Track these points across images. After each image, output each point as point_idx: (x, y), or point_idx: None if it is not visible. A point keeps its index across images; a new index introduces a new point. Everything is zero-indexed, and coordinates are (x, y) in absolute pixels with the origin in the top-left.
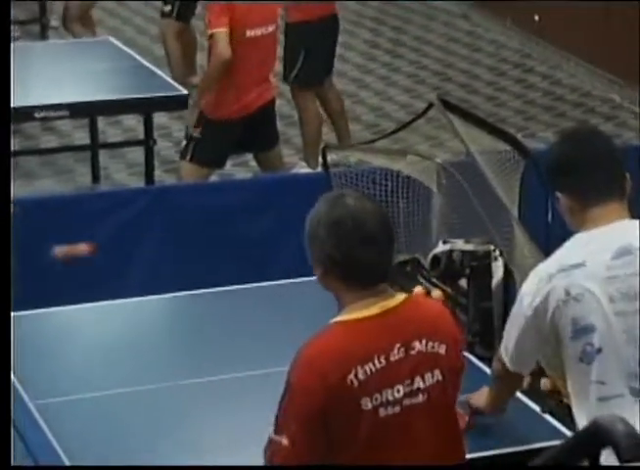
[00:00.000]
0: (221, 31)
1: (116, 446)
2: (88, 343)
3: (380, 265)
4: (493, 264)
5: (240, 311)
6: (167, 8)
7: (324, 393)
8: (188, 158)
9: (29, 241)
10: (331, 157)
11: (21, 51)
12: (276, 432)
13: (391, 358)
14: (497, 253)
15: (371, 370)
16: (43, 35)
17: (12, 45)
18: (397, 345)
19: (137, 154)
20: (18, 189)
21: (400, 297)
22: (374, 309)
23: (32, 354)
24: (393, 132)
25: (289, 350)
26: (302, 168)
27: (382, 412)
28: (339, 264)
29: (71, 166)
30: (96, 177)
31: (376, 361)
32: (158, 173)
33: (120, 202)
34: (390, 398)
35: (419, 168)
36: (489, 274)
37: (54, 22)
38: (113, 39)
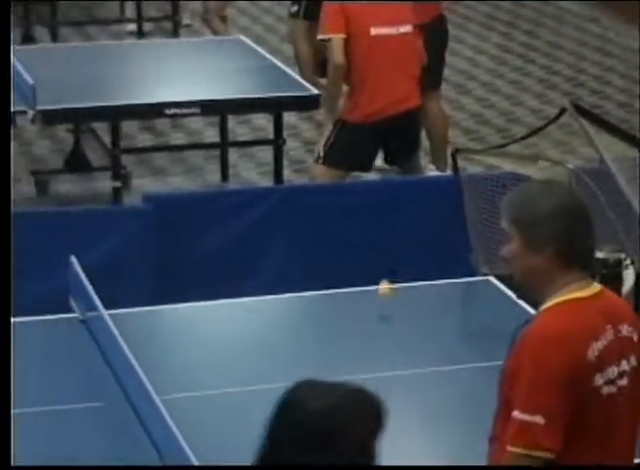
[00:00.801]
0: (335, 37)
1: (239, 442)
2: (215, 339)
3: (594, 251)
4: (624, 273)
5: (368, 312)
6: (294, 8)
7: (570, 367)
8: (321, 160)
9: (161, 236)
10: (460, 160)
11: (153, 48)
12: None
13: (608, 338)
14: (628, 261)
15: (600, 347)
16: (175, 33)
17: (144, 41)
18: (609, 326)
19: (266, 153)
20: (149, 185)
21: (597, 284)
22: (588, 291)
23: (160, 349)
24: (525, 137)
25: (419, 351)
26: (432, 171)
27: (605, 390)
28: (568, 248)
29: (201, 164)
30: (225, 175)
31: (602, 339)
32: (286, 173)
33: (249, 201)
34: (611, 376)
35: (550, 174)
36: (620, 282)
37: (186, 19)
38: (244, 38)
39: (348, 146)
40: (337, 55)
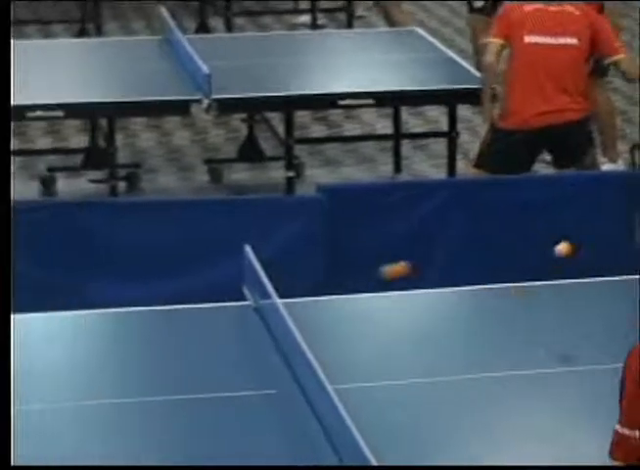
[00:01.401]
0: (490, 41)
1: (411, 434)
2: (385, 330)
3: None
4: None
5: (540, 304)
6: (479, 4)
7: None
8: (474, 162)
9: (333, 227)
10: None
11: (327, 38)
12: (622, 424)
13: None
14: None
15: None
16: (349, 24)
17: (318, 32)
18: None
19: (439, 145)
20: (322, 176)
21: None
22: None
23: (331, 339)
24: None
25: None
26: (605, 165)
27: None
28: None
29: (374, 155)
30: (398, 167)
31: None
32: (459, 166)
33: (422, 193)
34: None
35: None
36: None
37: (360, 11)
38: (419, 30)
39: (501, 151)
40: (488, 56)
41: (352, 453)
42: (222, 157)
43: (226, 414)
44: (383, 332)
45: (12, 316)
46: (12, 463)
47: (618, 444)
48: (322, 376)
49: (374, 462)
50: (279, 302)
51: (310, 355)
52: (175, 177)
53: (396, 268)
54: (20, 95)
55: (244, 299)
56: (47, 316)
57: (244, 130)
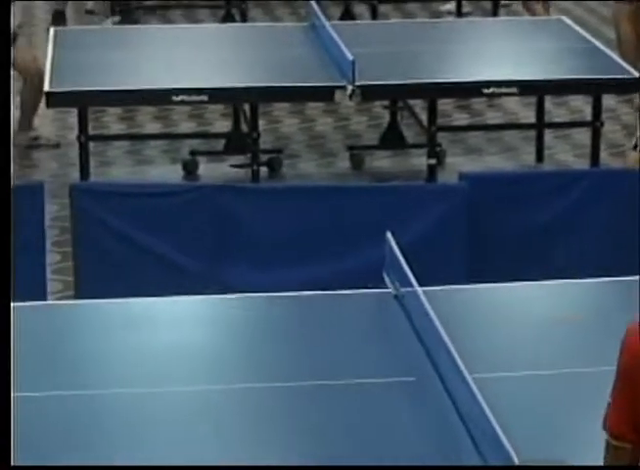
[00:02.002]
0: None
1: (550, 426)
2: (524, 320)
3: None
4: None
5: None
6: None
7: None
8: (638, 148)
9: (474, 215)
10: None
11: (472, 26)
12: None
13: None
14: None
15: None
16: (494, 12)
17: (463, 20)
18: None
19: (583, 135)
20: (463, 164)
21: None
22: None
23: (471, 328)
24: None
25: None
26: None
27: None
28: None
29: (517, 144)
30: (540, 157)
31: None
32: (603, 156)
33: (564, 183)
34: None
35: None
36: None
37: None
38: (565, 19)
39: None
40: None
41: (491, 443)
42: (364, 143)
43: (364, 401)
44: (523, 321)
45: (150, 299)
46: (12, 462)
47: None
48: (461, 365)
49: (512, 453)
50: (419, 289)
51: (450, 344)
52: (316, 163)
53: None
54: (165, 79)
55: (384, 286)
56: (186, 300)
57: (386, 117)
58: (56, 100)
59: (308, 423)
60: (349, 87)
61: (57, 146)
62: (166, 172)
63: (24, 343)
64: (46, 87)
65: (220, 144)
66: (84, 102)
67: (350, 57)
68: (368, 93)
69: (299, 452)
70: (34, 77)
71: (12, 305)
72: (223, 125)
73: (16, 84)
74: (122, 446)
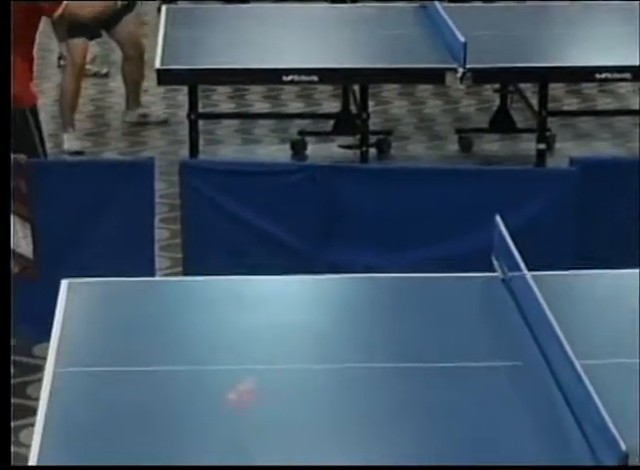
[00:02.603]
0: None
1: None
2: (626, 306)
3: None
4: None
5: None
6: None
7: None
8: None
9: (585, 201)
10: None
11: (585, 9)
12: None
13: None
14: None
15: None
16: None
17: (578, 3)
18: None
19: None
20: (573, 149)
21: None
22: None
23: (582, 313)
24: None
25: None
26: None
27: None
28: None
29: (628, 130)
30: None
31: None
32: None
33: None
34: None
35: None
36: None
37: None
38: None
39: None
40: None
41: (598, 430)
42: (473, 127)
43: (470, 384)
44: (631, 308)
45: (258, 278)
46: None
47: None
48: (569, 350)
49: (620, 440)
50: (528, 274)
51: (558, 329)
52: (425, 146)
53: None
54: (275, 58)
55: (492, 269)
56: (293, 279)
57: (496, 101)
58: (167, 77)
59: (412, 405)
60: (460, 70)
61: (165, 122)
62: (274, 152)
63: (133, 318)
64: (157, 65)
65: (329, 124)
66: (195, 80)
67: (462, 39)
68: (479, 76)
69: (401, 434)
70: (139, 54)
71: (122, 279)
72: (332, 106)
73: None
74: (226, 423)
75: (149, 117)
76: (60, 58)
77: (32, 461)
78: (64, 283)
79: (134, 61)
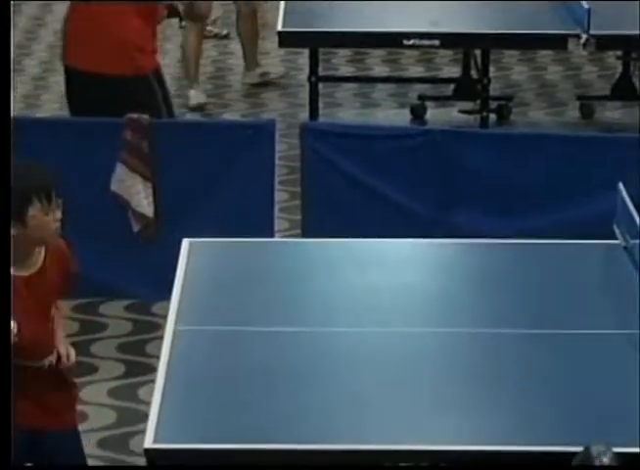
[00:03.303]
0: None
1: None
2: None
3: None
4: None
5: None
6: None
7: None
8: None
9: None
10: None
11: None
12: None
13: None
14: None
15: None
16: None
17: None
18: None
19: None
20: None
21: None
22: None
23: None
24: None
25: None
26: None
27: None
28: None
29: None
30: None
31: None
32: None
33: None
34: None
35: None
36: None
37: None
38: None
39: None
40: None
41: None
42: (595, 94)
43: (586, 351)
44: None
45: (376, 240)
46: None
47: None
48: None
49: None
50: None
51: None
52: (545, 112)
53: None
54: (396, 22)
55: (614, 237)
56: (411, 243)
57: (618, 68)
58: (288, 40)
59: (527, 371)
60: (584, 36)
61: (284, 77)
62: (393, 116)
63: (252, 279)
64: (279, 27)
65: (449, 89)
66: (316, 42)
67: (586, 5)
68: (602, 42)
69: (513, 400)
70: (252, 10)
71: (241, 240)
72: (452, 71)
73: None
74: (339, 383)
75: (269, 76)
76: (181, 19)
77: (152, 419)
78: (185, 243)
79: (248, 17)
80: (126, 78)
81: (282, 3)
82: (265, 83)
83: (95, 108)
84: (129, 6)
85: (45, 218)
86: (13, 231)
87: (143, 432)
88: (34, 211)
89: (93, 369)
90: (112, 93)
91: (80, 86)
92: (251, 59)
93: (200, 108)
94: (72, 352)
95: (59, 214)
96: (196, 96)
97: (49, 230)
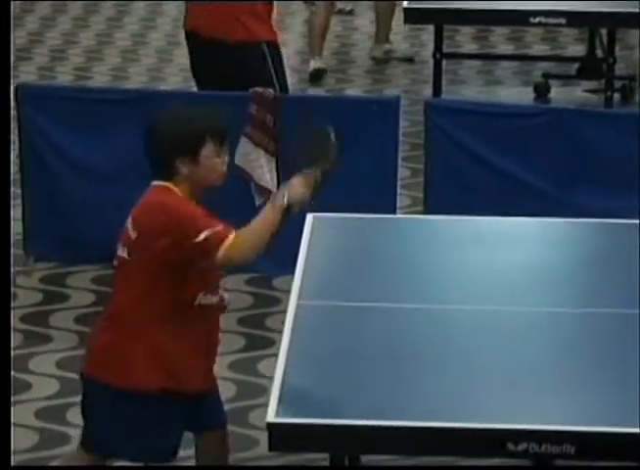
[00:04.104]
0: None
1: None
2: None
3: None
4: None
5: None
6: None
7: None
8: None
9: None
10: None
11: None
12: None
13: None
14: None
15: None
16: None
17: None
18: None
19: None
20: None
21: None
22: None
23: None
24: None
25: None
26: None
27: None
28: None
29: None
30: None
31: None
32: None
33: None
34: None
35: None
36: None
37: None
38: None
39: None
40: None
41: None
42: None
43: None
44: None
45: (499, 219)
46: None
47: None
48: None
49: None
50: None
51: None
52: None
53: None
54: (521, 0)
55: None
56: (536, 221)
57: None
58: (414, 16)
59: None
60: None
61: (411, 60)
62: (517, 94)
63: (374, 254)
64: (405, 4)
65: (573, 68)
66: (441, 19)
67: None
68: None
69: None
70: None
71: (364, 216)
72: (576, 50)
73: None
74: (458, 361)
75: (395, 54)
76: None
77: (275, 393)
78: (308, 217)
79: None
80: (238, 44)
81: None
82: (388, 60)
83: (211, 72)
84: None
85: (216, 160)
86: (182, 169)
87: (262, 406)
88: (207, 151)
89: None
90: (224, 58)
91: (198, 50)
92: (382, 33)
93: (317, 75)
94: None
95: (227, 159)
96: (315, 63)
97: (219, 172)
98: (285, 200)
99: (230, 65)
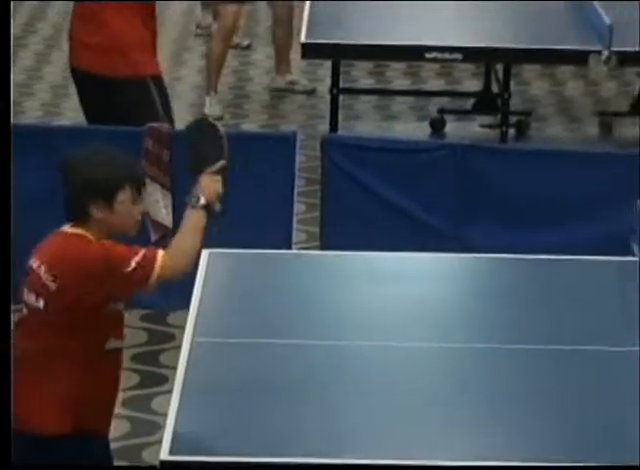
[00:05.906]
0: None
1: None
2: None
3: None
4: None
5: None
6: None
7: None
8: None
9: None
10: None
11: None
12: None
13: None
14: None
15: None
16: None
17: None
18: None
19: None
20: None
21: None
22: None
23: None
24: None
25: None
26: None
27: None
28: None
29: None
30: None
31: None
32: None
33: None
34: None
35: None
36: None
37: None
38: None
39: None
40: None
41: None
42: (614, 110)
43: (602, 368)
44: None
45: (393, 254)
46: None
47: None
48: None
49: None
50: None
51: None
52: (564, 127)
53: None
54: (417, 35)
55: (631, 254)
56: (428, 257)
57: (637, 84)
58: (312, 51)
59: (539, 388)
60: (605, 52)
61: (312, 92)
62: (413, 129)
63: (270, 290)
64: (302, 38)
65: (469, 103)
66: (339, 55)
67: (608, 21)
68: (624, 59)
69: (532, 418)
70: (289, 17)
71: (260, 252)
72: (472, 85)
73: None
74: (351, 397)
75: (296, 86)
76: (197, 26)
77: (168, 430)
78: (204, 253)
79: (284, 23)
80: (121, 79)
81: (305, 14)
82: (289, 91)
83: (97, 108)
84: (126, 5)
85: (132, 207)
86: (96, 214)
87: (156, 443)
88: (124, 197)
89: None
90: (109, 93)
91: (84, 87)
92: (283, 65)
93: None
94: None
95: (143, 208)
96: (211, 106)
97: (134, 219)
98: (202, 199)
99: (114, 100)
